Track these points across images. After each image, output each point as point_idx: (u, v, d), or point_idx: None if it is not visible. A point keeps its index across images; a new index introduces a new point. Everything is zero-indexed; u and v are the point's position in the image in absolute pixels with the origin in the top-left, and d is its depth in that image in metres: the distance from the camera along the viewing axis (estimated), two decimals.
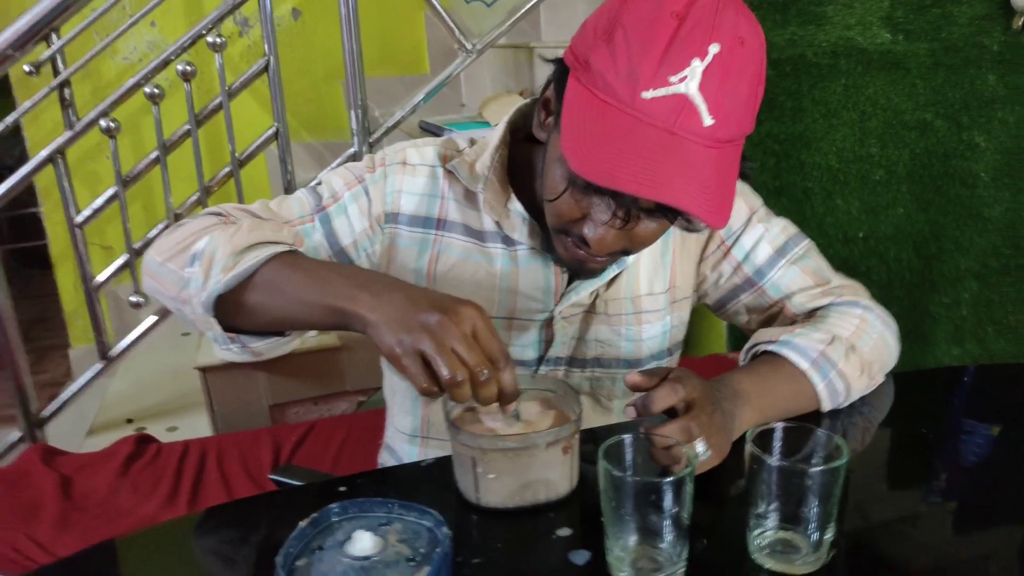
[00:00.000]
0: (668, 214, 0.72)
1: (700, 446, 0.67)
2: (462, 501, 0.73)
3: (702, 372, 1.04)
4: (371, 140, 1.87)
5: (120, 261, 1.87)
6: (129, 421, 2.01)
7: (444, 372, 0.58)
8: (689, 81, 0.64)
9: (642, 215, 0.72)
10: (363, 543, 0.59)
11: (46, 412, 1.85)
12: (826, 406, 0.85)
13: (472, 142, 0.90)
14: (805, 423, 0.65)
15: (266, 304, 0.69)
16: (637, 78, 0.64)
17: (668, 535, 0.60)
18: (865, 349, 0.87)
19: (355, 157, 1.88)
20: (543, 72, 0.83)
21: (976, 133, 1.97)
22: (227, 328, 0.72)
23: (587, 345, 0.92)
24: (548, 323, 0.90)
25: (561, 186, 0.73)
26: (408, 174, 0.88)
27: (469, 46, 1.87)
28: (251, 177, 2.14)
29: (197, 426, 1.88)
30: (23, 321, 1.76)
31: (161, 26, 2.47)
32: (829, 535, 0.62)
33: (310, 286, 0.66)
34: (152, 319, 1.88)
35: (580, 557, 0.65)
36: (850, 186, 1.96)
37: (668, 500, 0.58)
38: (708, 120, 0.65)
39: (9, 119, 1.72)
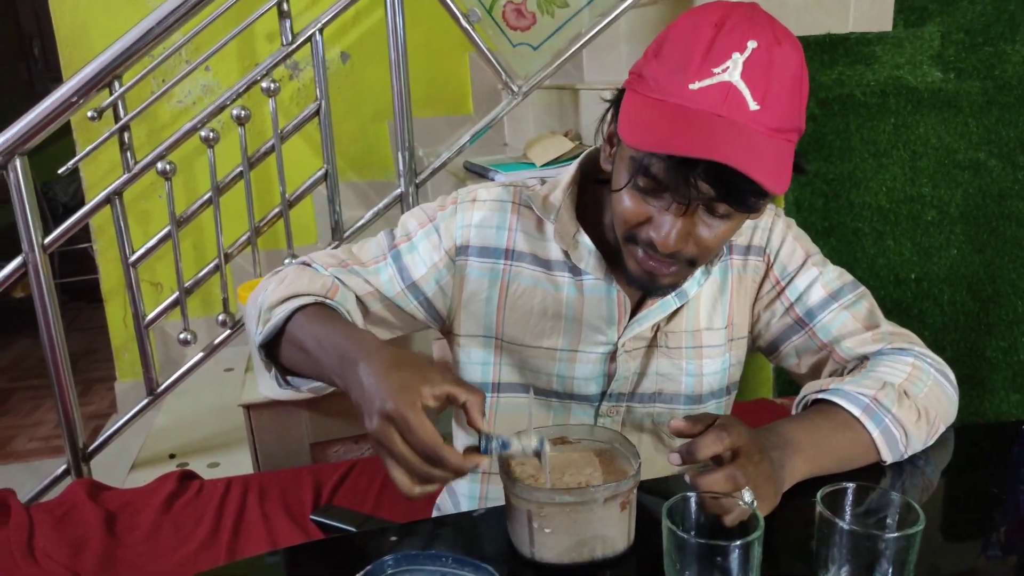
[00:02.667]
0: (730, 197, 0.73)
1: (747, 496, 0.65)
2: (516, 555, 0.71)
3: (749, 417, 1.01)
4: (417, 181, 1.89)
5: (171, 299, 1.90)
6: (172, 456, 2.02)
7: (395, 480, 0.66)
8: (732, 71, 0.70)
9: (702, 208, 0.75)
10: None
11: (92, 445, 1.86)
12: (885, 455, 0.82)
13: (543, 182, 0.97)
14: (876, 485, 0.63)
15: (295, 357, 0.82)
16: (684, 72, 0.71)
17: None
18: (919, 395, 0.85)
19: (402, 198, 1.90)
20: (588, 112, 0.90)
21: None
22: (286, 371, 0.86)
23: (648, 379, 0.93)
24: (611, 357, 0.92)
25: (625, 186, 0.78)
26: (477, 209, 0.92)
27: (515, 88, 1.88)
28: (298, 217, 2.18)
29: (239, 462, 1.89)
30: (71, 353, 1.79)
31: (215, 71, 2.55)
32: None
33: (315, 349, 0.77)
34: (199, 355, 1.90)
35: None
36: (901, 227, 1.92)
37: (735, 564, 0.56)
38: (753, 105, 0.70)
39: (71, 163, 1.78)
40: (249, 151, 1.85)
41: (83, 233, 2.48)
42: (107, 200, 1.79)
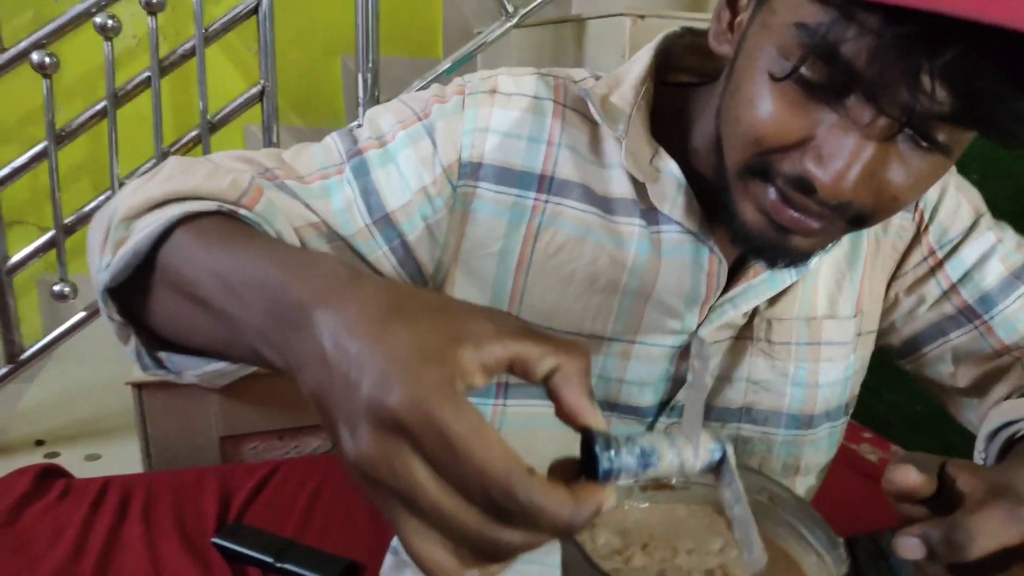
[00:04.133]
0: (993, 115, 0.43)
1: None
2: None
3: None
4: None
5: (45, 238, 1.54)
6: (39, 443, 1.72)
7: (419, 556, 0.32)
8: None
9: (908, 134, 0.47)
10: None
11: None
12: None
13: (596, 77, 0.66)
14: None
15: (175, 312, 0.47)
16: None
17: None
18: None
19: None
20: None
21: None
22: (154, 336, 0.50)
23: (733, 388, 0.65)
24: (683, 352, 0.63)
25: (766, 93, 0.49)
26: (500, 106, 0.62)
27: (511, 8, 1.63)
28: None
29: (127, 457, 1.60)
30: None
31: None
32: None
33: (218, 293, 0.41)
34: (80, 314, 1.57)
35: None
36: None
37: None
38: None
39: None
40: (162, 53, 1.50)
41: None
42: None
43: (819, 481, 0.70)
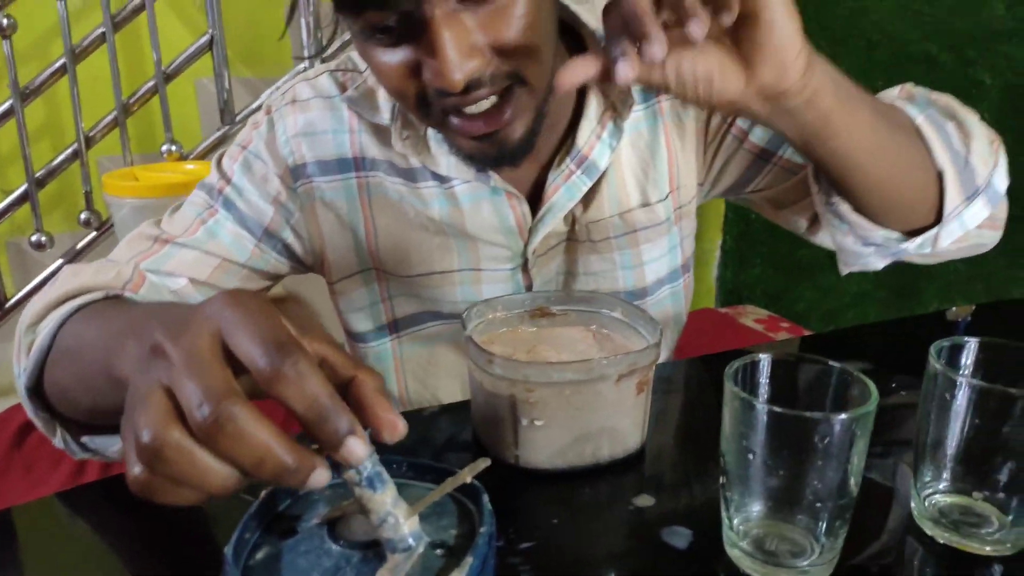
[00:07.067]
0: None
1: None
2: (493, 461, 0.51)
3: (689, 329, 0.83)
4: (324, 56, 1.60)
5: (18, 192, 1.58)
6: None
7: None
8: None
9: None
10: (364, 521, 0.36)
11: None
12: (939, 154, 0.57)
13: None
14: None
15: (65, 384, 0.51)
16: None
17: (825, 504, 0.39)
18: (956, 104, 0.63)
19: None
20: None
21: (982, 70, 1.83)
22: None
23: (577, 281, 0.74)
24: (524, 268, 0.72)
25: (364, 52, 0.55)
26: (301, 111, 0.69)
27: None
28: (178, 107, 1.83)
29: None
30: None
31: None
32: None
33: (98, 347, 0.44)
34: (57, 262, 1.61)
35: (678, 537, 0.45)
36: None
37: (834, 447, 0.38)
38: None
39: None
40: (112, 8, 1.52)
41: None
42: None
43: (677, 330, 0.80)
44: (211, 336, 0.31)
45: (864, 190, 0.56)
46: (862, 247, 0.63)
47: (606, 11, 0.44)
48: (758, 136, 0.70)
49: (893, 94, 0.64)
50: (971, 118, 0.62)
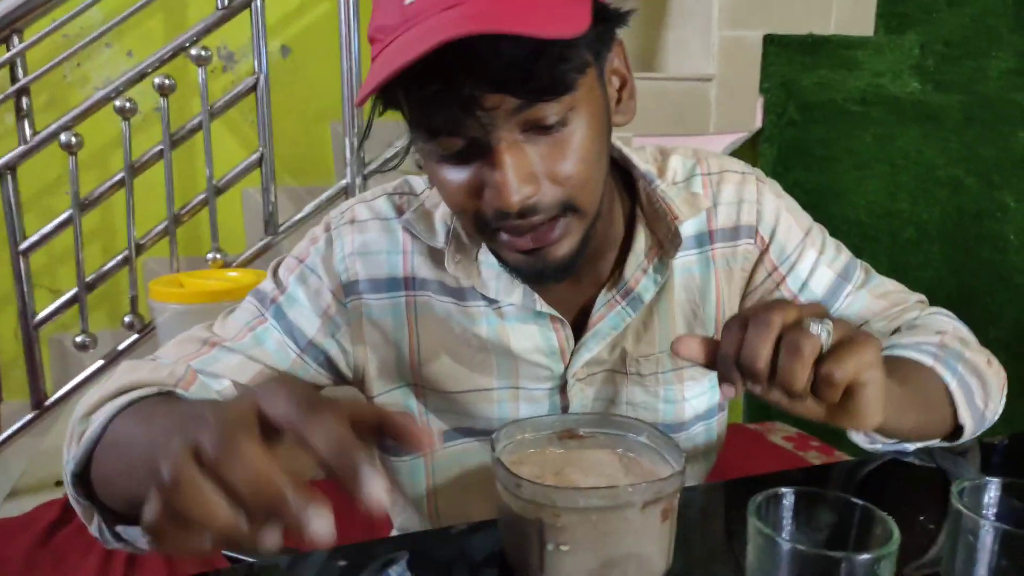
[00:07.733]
0: (510, 81, 0.53)
1: (816, 327, 0.47)
2: None
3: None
4: (366, 172, 1.69)
5: (68, 295, 1.64)
6: (59, 484, 1.74)
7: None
8: None
9: (516, 129, 0.55)
10: None
11: None
12: (963, 413, 0.66)
13: (432, 185, 0.74)
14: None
15: (111, 476, 0.54)
16: None
17: None
18: (974, 345, 0.73)
19: (347, 191, 1.70)
20: None
21: (1007, 193, 1.86)
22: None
23: (618, 409, 0.75)
24: (562, 390, 0.73)
25: (432, 170, 0.61)
26: (358, 232, 0.72)
27: None
28: (225, 219, 1.92)
29: None
30: None
31: (139, 57, 2.31)
32: None
33: (136, 454, 0.50)
34: (98, 363, 1.65)
35: None
36: (880, 243, 1.82)
37: None
38: None
39: None
40: (172, 128, 1.63)
41: None
42: None
43: (708, 462, 0.80)
44: (247, 406, 0.36)
45: (888, 435, 0.66)
46: (869, 444, 0.70)
47: (727, 326, 0.49)
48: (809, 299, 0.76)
49: (933, 330, 0.71)
50: (990, 376, 0.70)
